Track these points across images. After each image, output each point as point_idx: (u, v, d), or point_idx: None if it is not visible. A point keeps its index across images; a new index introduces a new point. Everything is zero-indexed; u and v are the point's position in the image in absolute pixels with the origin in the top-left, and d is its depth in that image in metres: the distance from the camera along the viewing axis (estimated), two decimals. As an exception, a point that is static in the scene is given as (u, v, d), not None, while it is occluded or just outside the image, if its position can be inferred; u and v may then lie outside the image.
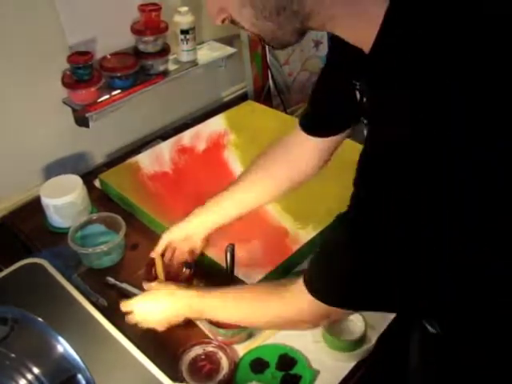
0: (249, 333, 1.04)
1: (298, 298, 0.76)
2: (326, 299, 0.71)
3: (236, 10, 0.64)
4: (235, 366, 0.99)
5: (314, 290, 0.73)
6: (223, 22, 0.68)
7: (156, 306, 0.96)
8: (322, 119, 0.96)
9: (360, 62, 0.65)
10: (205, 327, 1.05)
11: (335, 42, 0.77)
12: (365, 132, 0.78)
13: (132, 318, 0.97)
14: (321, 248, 0.75)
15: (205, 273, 1.19)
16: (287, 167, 1.03)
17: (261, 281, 1.10)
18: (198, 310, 0.92)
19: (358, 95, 0.77)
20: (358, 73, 0.74)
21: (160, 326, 0.96)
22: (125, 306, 0.98)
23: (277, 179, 1.03)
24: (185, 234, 1.07)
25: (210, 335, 1.05)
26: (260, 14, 0.62)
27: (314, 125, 0.98)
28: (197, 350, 1.01)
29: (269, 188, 1.03)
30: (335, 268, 0.70)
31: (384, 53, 0.58)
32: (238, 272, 1.11)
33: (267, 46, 1.87)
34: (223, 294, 0.89)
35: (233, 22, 0.68)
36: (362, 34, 0.61)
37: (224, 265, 1.11)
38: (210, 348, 1.02)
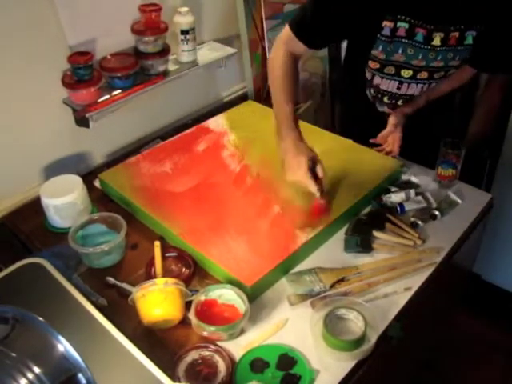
0: (231, 333, 1.04)
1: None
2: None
3: None
4: (233, 368, 0.99)
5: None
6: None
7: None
8: (324, 35, 1.26)
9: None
10: (193, 323, 1.05)
11: None
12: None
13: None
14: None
15: (205, 273, 1.20)
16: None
17: (260, 282, 1.10)
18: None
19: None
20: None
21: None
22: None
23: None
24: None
25: (196, 330, 1.04)
26: None
27: (314, 37, 1.26)
28: (193, 355, 1.01)
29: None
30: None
31: None
32: (236, 273, 1.12)
33: (267, 47, 1.88)
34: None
35: None
36: None
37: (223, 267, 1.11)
38: (206, 352, 1.02)
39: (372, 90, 1.46)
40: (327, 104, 2.22)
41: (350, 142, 1.53)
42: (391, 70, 1.35)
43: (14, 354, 0.70)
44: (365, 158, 1.45)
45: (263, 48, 1.90)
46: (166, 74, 1.60)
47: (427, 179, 1.45)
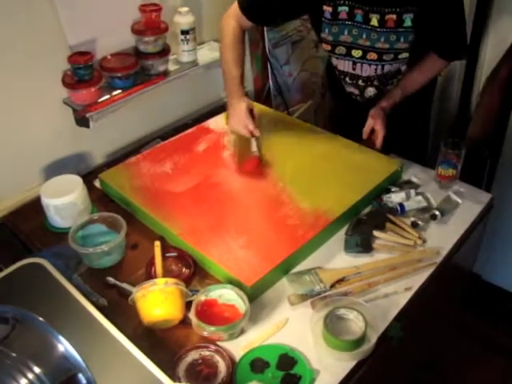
0: (231, 333, 1.04)
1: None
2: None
3: None
4: (233, 368, 0.99)
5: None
6: None
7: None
8: (270, 15, 1.43)
9: None
10: (193, 323, 1.05)
11: None
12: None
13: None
14: None
15: (205, 273, 1.20)
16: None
17: (260, 282, 1.10)
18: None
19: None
20: None
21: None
22: None
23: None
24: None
25: (196, 330, 1.05)
26: None
27: (259, 16, 1.44)
28: (193, 355, 1.01)
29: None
30: None
31: None
32: (236, 273, 1.12)
33: (267, 47, 1.88)
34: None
35: None
36: None
37: (223, 267, 1.11)
38: (206, 352, 1.02)
39: (337, 72, 1.52)
40: (327, 104, 2.22)
41: (349, 141, 1.53)
42: (342, 50, 1.43)
43: (14, 354, 0.70)
44: (365, 158, 1.45)
45: (263, 48, 1.90)
46: (166, 73, 1.60)
47: (427, 179, 1.45)
